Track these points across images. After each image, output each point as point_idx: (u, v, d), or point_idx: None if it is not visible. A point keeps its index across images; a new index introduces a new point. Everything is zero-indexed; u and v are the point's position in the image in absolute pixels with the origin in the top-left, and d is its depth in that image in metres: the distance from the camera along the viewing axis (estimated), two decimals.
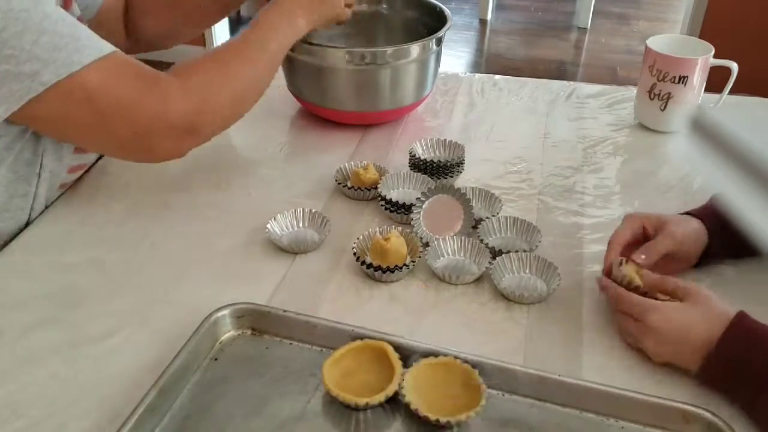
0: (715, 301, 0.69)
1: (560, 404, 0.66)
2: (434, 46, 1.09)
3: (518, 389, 0.66)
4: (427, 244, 0.85)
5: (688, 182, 1.02)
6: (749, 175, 0.21)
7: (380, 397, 0.63)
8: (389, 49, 1.04)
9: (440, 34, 1.08)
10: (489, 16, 4.04)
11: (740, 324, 0.66)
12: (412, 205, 0.88)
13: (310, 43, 1.03)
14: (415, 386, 0.65)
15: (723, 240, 0.79)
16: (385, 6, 1.24)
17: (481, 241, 0.84)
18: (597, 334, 0.75)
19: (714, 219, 0.79)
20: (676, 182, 1.02)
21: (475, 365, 0.66)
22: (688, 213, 0.82)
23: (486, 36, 3.82)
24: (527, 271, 0.82)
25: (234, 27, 3.62)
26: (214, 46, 1.58)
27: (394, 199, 0.90)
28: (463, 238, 0.85)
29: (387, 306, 0.79)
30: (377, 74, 1.06)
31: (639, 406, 0.64)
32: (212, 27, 3.23)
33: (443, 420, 0.61)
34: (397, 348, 0.67)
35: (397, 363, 0.66)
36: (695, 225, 0.80)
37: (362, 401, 0.63)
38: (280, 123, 1.16)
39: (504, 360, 0.67)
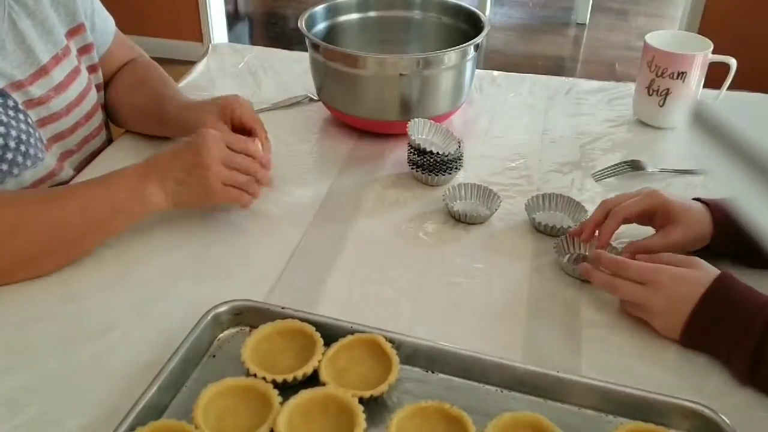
0: (705, 265, 0.74)
1: (559, 401, 0.66)
2: (472, 52, 1.05)
3: (517, 386, 0.66)
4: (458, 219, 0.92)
5: (687, 179, 1.02)
6: (751, 169, 0.21)
7: (304, 371, 0.64)
8: (428, 56, 1.01)
9: (477, 40, 1.04)
10: (487, 12, 4.04)
11: (723, 282, 0.70)
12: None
13: (345, 51, 1.01)
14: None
15: (728, 238, 0.79)
16: (417, 11, 1.20)
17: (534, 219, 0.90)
18: (596, 331, 0.75)
19: (723, 215, 0.79)
20: (675, 179, 1.02)
21: (471, 361, 0.66)
22: (699, 199, 0.82)
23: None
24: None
25: (232, 23, 3.61)
26: (212, 43, 1.58)
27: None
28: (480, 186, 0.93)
29: (386, 302, 0.79)
30: (417, 82, 1.02)
31: (638, 403, 0.64)
32: (210, 24, 3.23)
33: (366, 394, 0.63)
34: (392, 342, 0.67)
35: (393, 355, 0.66)
36: (701, 220, 0.79)
37: (289, 377, 0.64)
38: (306, 131, 1.13)
39: (503, 357, 0.67)
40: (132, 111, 1.06)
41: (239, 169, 0.84)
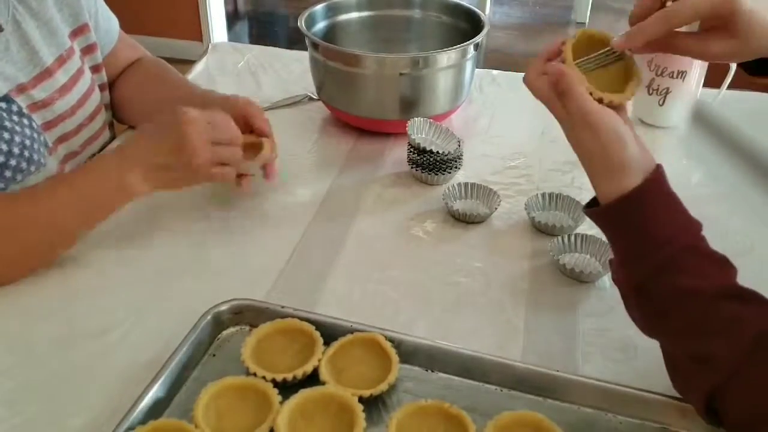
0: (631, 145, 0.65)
1: (558, 399, 0.66)
2: (472, 51, 1.06)
3: (516, 385, 0.66)
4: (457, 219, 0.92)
5: (686, 177, 1.02)
6: (750, 167, 0.21)
7: (304, 370, 0.65)
8: (428, 55, 1.01)
9: (477, 39, 1.04)
10: (487, 11, 4.04)
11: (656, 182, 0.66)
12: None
13: (345, 50, 1.01)
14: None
15: None
16: (417, 10, 1.20)
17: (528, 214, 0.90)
18: (595, 329, 0.75)
19: None
20: (674, 177, 1.02)
21: (470, 360, 0.66)
22: None
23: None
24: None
25: (231, 22, 3.61)
26: (211, 42, 1.58)
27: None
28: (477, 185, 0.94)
29: (386, 301, 0.79)
30: (417, 81, 1.02)
31: (637, 401, 0.64)
32: (209, 23, 3.24)
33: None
34: (392, 341, 0.67)
35: (393, 354, 0.66)
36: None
37: (289, 376, 0.64)
38: (305, 130, 1.13)
39: (502, 356, 0.68)
40: (148, 106, 1.05)
41: (223, 143, 0.82)
